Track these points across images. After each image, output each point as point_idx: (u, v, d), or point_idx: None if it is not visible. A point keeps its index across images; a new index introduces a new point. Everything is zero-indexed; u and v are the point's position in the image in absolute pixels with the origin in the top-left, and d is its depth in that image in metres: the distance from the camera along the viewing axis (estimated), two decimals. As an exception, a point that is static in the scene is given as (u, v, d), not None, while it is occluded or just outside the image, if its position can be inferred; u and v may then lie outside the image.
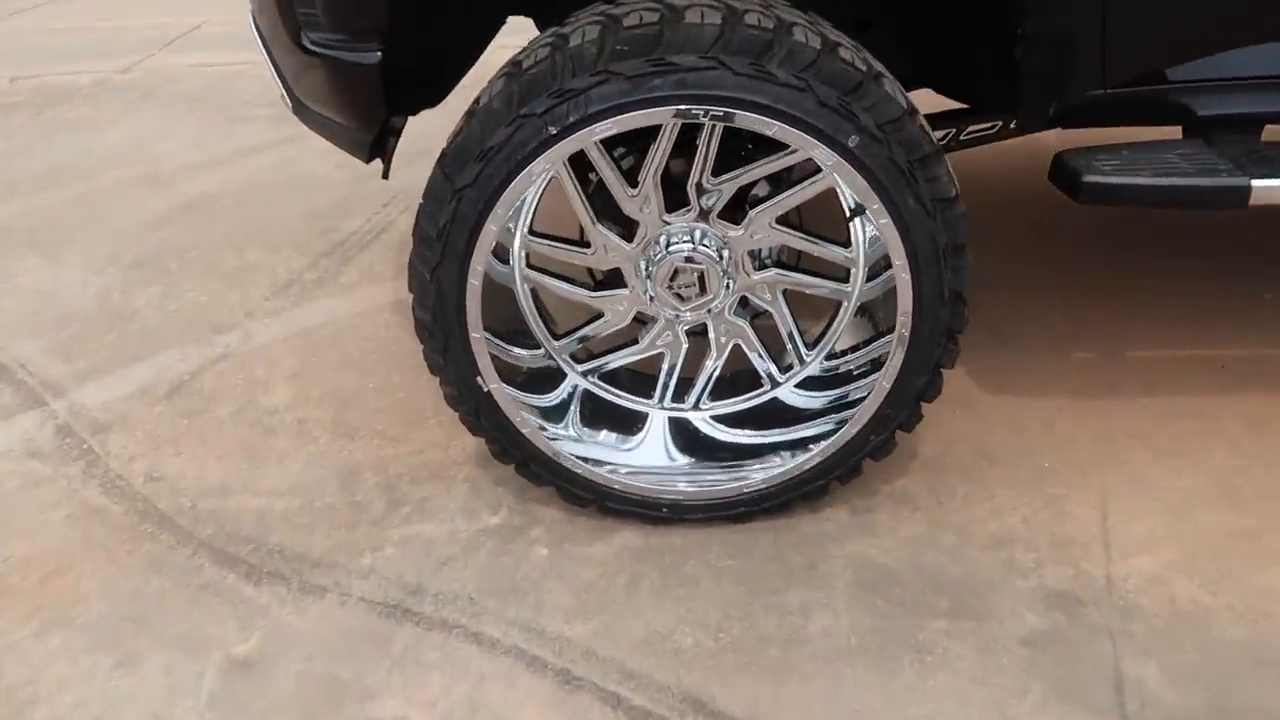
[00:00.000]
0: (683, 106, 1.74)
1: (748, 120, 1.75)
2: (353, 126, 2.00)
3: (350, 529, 2.26)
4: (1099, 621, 1.93)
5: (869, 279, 2.05)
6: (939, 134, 2.23)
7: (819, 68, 1.72)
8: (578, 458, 2.12)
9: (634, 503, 2.17)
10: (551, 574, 2.11)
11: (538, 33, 2.47)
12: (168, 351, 2.99)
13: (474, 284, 1.90)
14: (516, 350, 2.15)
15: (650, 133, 1.88)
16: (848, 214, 2.01)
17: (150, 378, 2.86)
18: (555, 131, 1.76)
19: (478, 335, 1.96)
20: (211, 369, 2.91)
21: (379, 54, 1.86)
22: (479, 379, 2.02)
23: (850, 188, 1.83)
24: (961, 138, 2.56)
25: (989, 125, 2.50)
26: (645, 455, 2.26)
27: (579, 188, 1.96)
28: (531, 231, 2.05)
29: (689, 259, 1.99)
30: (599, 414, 2.27)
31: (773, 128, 1.75)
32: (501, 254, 2.05)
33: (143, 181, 4.22)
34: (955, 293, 1.91)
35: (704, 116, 1.76)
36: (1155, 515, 2.17)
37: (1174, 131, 2.17)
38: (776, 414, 2.23)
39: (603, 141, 1.84)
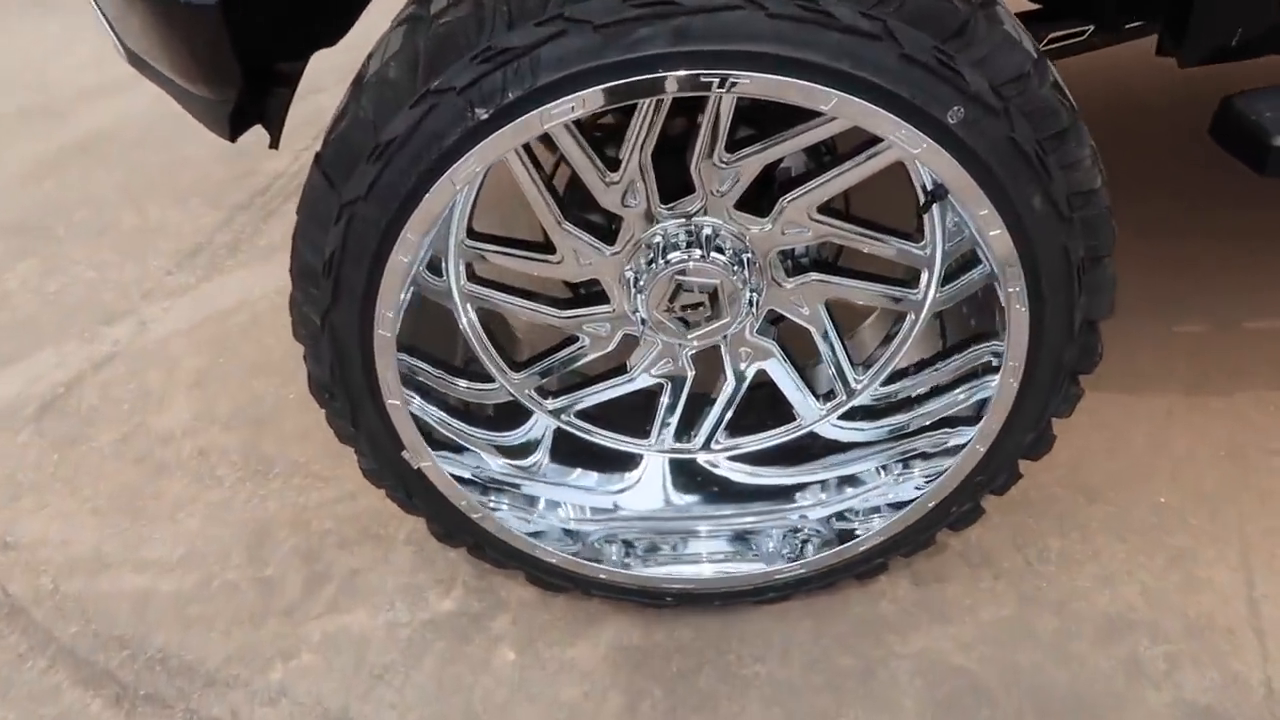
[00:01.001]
0: (687, 72, 1.11)
1: (787, 89, 1.12)
2: (199, 92, 1.36)
3: (257, 623, 1.73)
4: (1265, 758, 1.42)
5: (945, 281, 1.46)
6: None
7: (902, 0, 1.08)
8: (545, 545, 1.57)
9: (629, 591, 1.63)
10: (520, 691, 1.59)
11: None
12: (41, 352, 2.40)
13: (384, 336, 1.30)
14: (463, 384, 1.57)
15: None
16: (921, 199, 1.39)
17: (15, 392, 2.28)
18: (486, 116, 1.13)
19: (396, 402, 1.37)
20: (94, 376, 2.31)
21: (219, -10, 1.21)
22: (404, 455, 1.44)
23: (945, 180, 1.21)
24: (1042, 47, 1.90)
25: (1076, 32, 1.85)
26: (640, 500, 1.72)
27: (536, 173, 1.34)
28: (471, 234, 1.44)
29: (693, 272, 1.39)
30: (581, 450, 1.72)
31: (830, 100, 1.12)
32: (433, 262, 1.45)
33: (30, 115, 3.51)
34: (1088, 323, 1.31)
35: (721, 86, 1.12)
36: (1318, 580, 1.64)
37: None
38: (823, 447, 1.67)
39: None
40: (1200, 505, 1.78)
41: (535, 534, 1.58)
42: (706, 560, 1.68)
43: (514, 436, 1.66)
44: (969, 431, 1.43)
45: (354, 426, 1.41)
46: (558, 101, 1.12)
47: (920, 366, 1.58)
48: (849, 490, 1.64)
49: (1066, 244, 1.22)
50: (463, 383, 1.57)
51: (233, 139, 1.46)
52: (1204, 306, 2.18)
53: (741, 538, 1.70)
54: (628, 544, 1.69)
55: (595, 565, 1.59)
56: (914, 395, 1.59)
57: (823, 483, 1.68)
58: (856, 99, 1.11)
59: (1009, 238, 1.21)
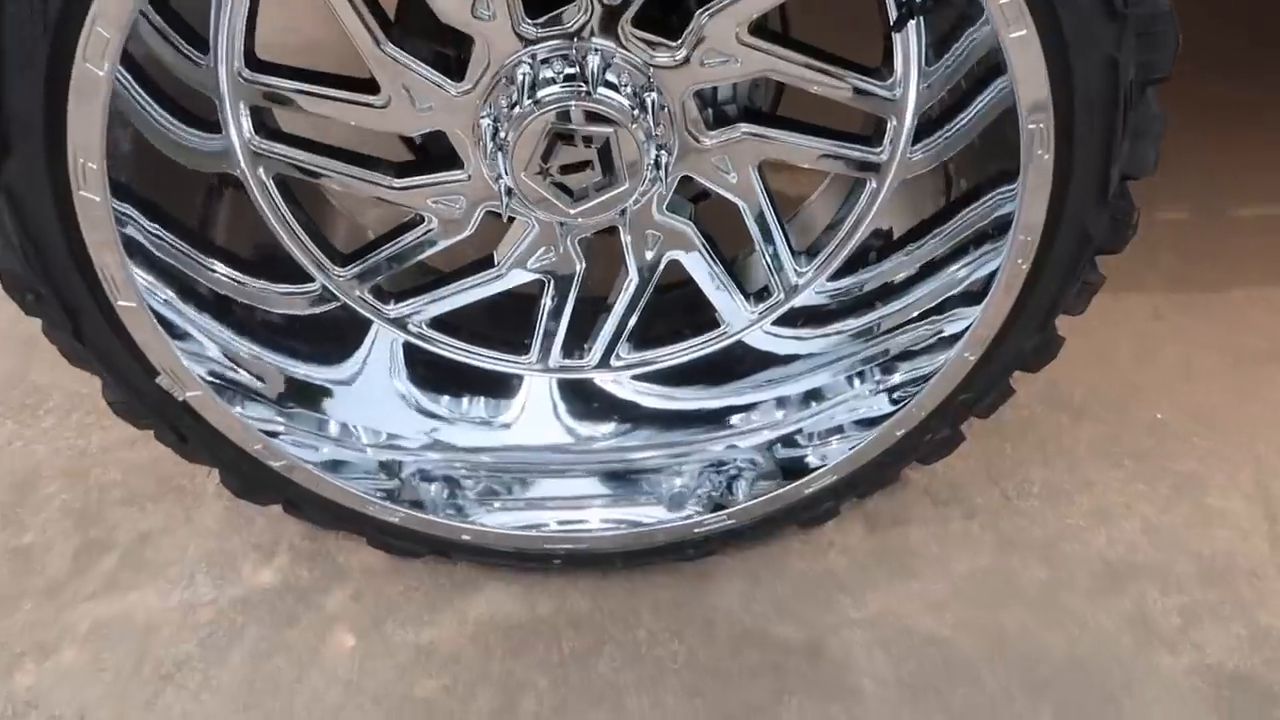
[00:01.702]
0: None
1: None
2: None
3: (6, 609, 1.29)
4: (1309, 737, 1.13)
5: (927, 131, 1.08)
6: None
7: None
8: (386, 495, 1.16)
9: (503, 555, 1.24)
10: (361, 692, 1.20)
11: None
12: None
13: (91, 199, 0.84)
14: (265, 285, 1.14)
15: None
16: (892, 12, 1.00)
17: None
18: None
19: (130, 304, 0.92)
20: None
21: None
22: (161, 382, 1.00)
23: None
24: None
25: None
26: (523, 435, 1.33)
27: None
28: (253, 64, 0.99)
29: (575, 117, 0.97)
30: (439, 373, 1.31)
31: None
32: (196, 112, 1.00)
33: None
34: (1125, 180, 0.94)
35: None
36: (1349, 507, 1.35)
37: None
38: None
39: None
40: (1203, 421, 1.47)
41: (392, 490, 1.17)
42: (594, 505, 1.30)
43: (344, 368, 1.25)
44: (958, 323, 1.05)
45: (79, 340, 0.96)
46: None
47: (902, 241, 1.19)
48: (806, 406, 1.27)
49: (1116, 55, 0.83)
50: (261, 282, 1.13)
51: None
52: (1188, 190, 1.85)
53: (624, 477, 1.32)
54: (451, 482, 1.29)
55: (456, 524, 1.19)
56: (889, 283, 1.21)
57: (761, 403, 1.31)
58: None
59: (1036, 40, 0.81)
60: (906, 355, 1.13)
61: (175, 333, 0.97)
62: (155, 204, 0.96)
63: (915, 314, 1.12)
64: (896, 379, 1.13)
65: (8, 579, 1.32)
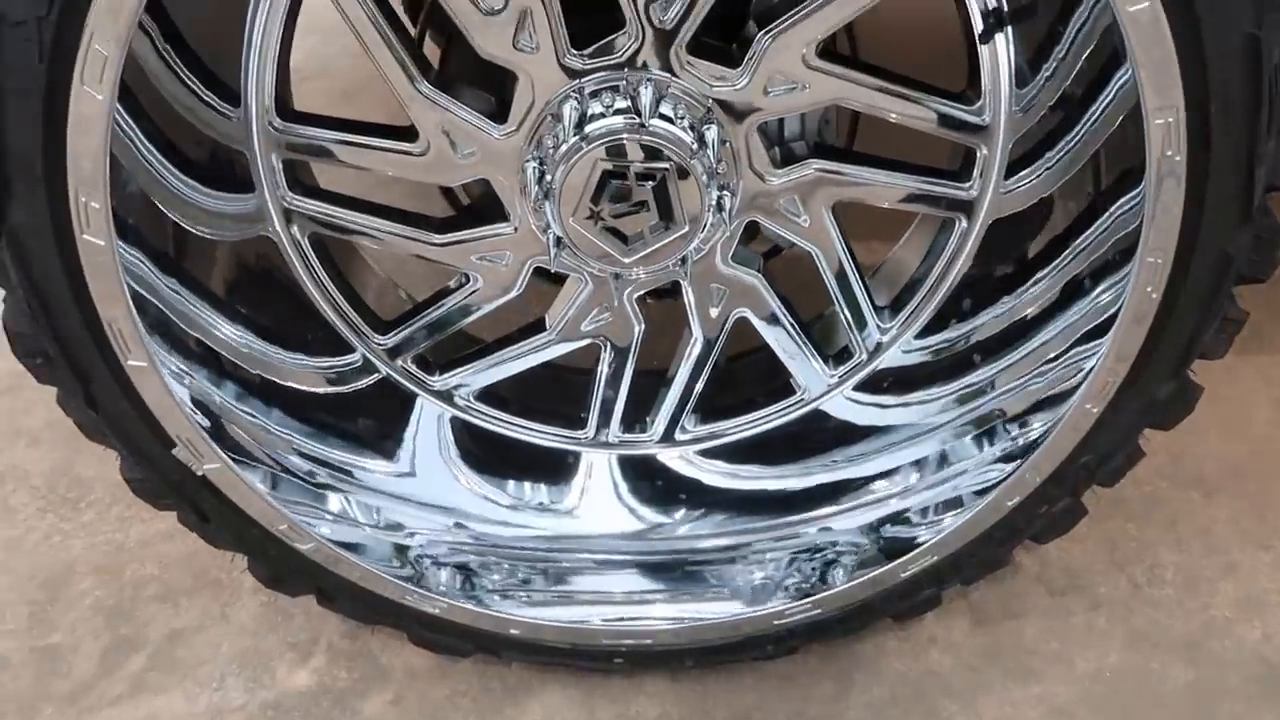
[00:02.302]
0: None
1: None
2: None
3: (28, 712, 1.19)
4: None
5: (1016, 169, 0.96)
6: None
7: None
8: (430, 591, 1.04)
9: (558, 653, 1.10)
10: (400, 812, 1.05)
11: None
12: None
13: (95, 244, 0.77)
14: (295, 358, 1.05)
15: None
16: (978, 24, 0.90)
17: None
18: None
19: (140, 363, 0.84)
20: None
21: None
22: (177, 453, 0.90)
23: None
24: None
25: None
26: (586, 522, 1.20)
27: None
28: (284, 112, 0.93)
29: (627, 150, 0.88)
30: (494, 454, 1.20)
31: None
32: (231, 170, 0.95)
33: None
34: (1272, 189, 0.80)
35: None
36: None
37: None
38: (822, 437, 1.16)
39: None
40: (1361, 494, 1.27)
41: (410, 576, 1.04)
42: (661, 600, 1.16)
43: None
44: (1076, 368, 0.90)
45: (91, 408, 0.88)
46: None
47: (979, 302, 1.06)
48: (920, 477, 1.11)
49: (1257, 33, 0.70)
50: (292, 355, 1.05)
51: None
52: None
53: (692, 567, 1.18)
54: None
55: (505, 616, 1.06)
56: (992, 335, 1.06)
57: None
58: None
59: (1163, 18, 0.69)
60: (1026, 414, 0.98)
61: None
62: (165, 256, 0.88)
63: (1031, 367, 0.97)
64: (1022, 440, 0.97)
65: (30, 682, 1.23)
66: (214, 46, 0.88)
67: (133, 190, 0.81)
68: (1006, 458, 0.96)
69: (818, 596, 1.04)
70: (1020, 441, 0.96)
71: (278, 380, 1.02)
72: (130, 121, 0.81)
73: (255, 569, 1.06)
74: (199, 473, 0.91)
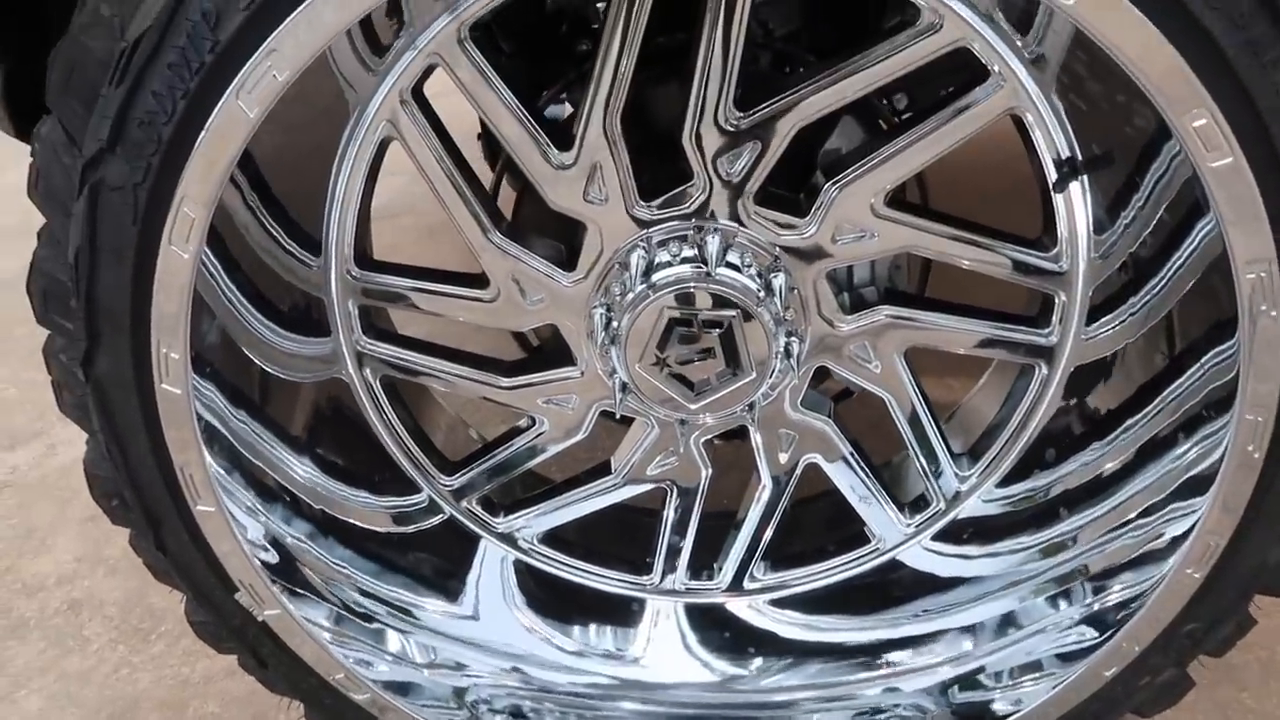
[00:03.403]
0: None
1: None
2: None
3: None
4: None
5: (1098, 314, 0.93)
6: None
7: None
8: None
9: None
10: None
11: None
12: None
13: (172, 392, 0.79)
14: (364, 497, 1.05)
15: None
16: (1051, 172, 0.88)
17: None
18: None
19: (209, 508, 0.85)
20: (-25, 510, 1.86)
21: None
22: (239, 598, 0.90)
23: (1110, 41, 0.68)
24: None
25: None
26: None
27: (442, 151, 0.88)
28: (361, 262, 0.96)
29: (694, 299, 0.88)
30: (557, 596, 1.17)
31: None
32: (305, 313, 0.97)
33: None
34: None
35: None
36: None
37: None
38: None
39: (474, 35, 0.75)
40: None
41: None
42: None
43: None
44: (1172, 526, 0.84)
45: (161, 550, 0.88)
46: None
47: (1067, 450, 1.02)
48: (994, 637, 1.04)
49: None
50: (364, 495, 1.05)
51: (21, 133, 0.99)
52: None
53: None
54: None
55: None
56: (1078, 486, 1.01)
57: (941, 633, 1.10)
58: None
59: (1246, 169, 0.67)
60: (1109, 573, 0.91)
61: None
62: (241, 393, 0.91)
63: (1116, 523, 0.91)
64: (1104, 602, 0.91)
65: (84, 824, 1.21)
66: (299, 198, 0.92)
67: (213, 341, 0.84)
68: (1090, 620, 0.90)
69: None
70: (1103, 605, 0.89)
71: (345, 518, 1.02)
72: (218, 268, 0.84)
73: (311, 716, 1.04)
74: (259, 618, 0.90)
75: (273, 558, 0.91)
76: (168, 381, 0.77)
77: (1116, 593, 0.89)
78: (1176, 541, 0.83)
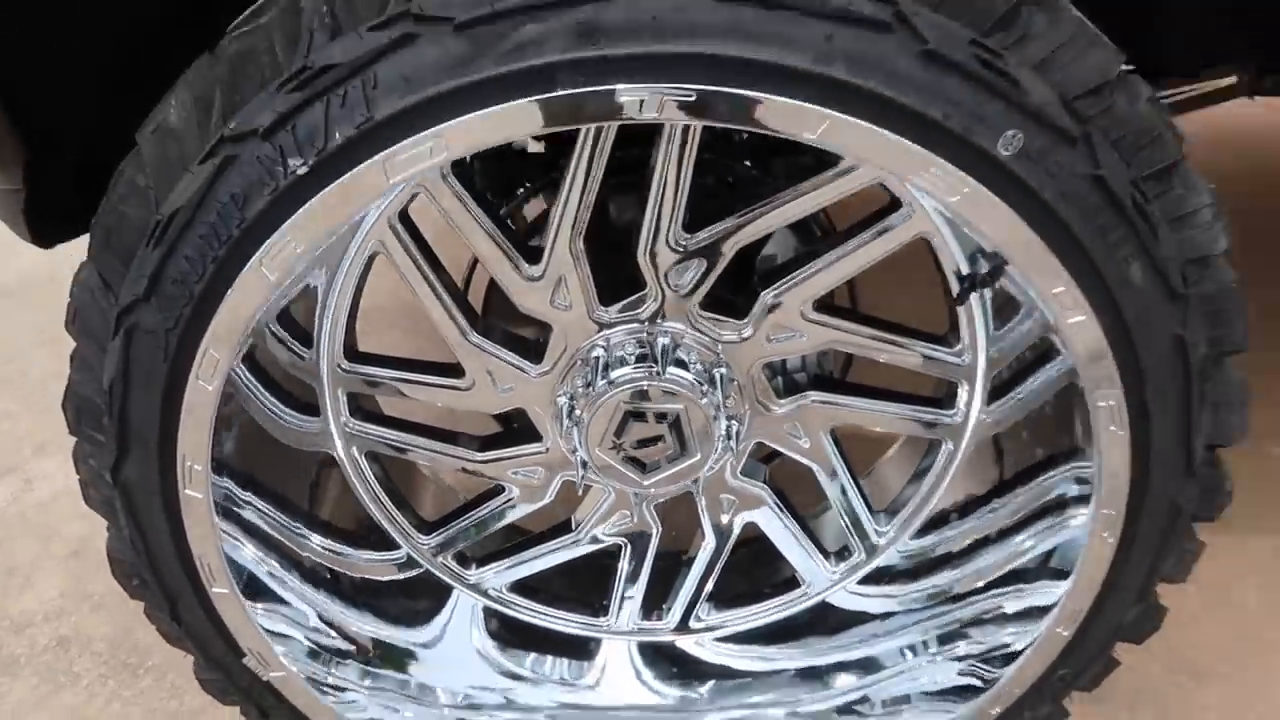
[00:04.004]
0: (606, 87, 0.74)
1: (768, 113, 0.75)
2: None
3: None
4: None
5: (995, 395, 1.07)
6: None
7: (921, -27, 0.73)
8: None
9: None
10: None
11: None
12: (-99, 515, 2.02)
13: (194, 497, 0.91)
14: (357, 554, 1.17)
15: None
16: (954, 286, 1.03)
17: None
18: (304, 168, 0.77)
19: (223, 590, 0.97)
20: (-46, 546, 1.92)
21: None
22: (247, 662, 1.02)
23: (995, 242, 0.83)
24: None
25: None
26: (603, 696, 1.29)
27: (422, 258, 0.99)
28: (351, 355, 1.07)
29: (647, 396, 1.01)
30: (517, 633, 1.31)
31: (819, 123, 0.75)
32: (300, 401, 1.08)
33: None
34: (1210, 449, 0.91)
35: (659, 109, 0.76)
36: None
37: None
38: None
39: (459, 166, 0.86)
40: (1347, 684, 1.34)
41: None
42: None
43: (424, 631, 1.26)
44: (1042, 595, 1.00)
45: (176, 622, 1.00)
46: (406, 143, 0.76)
47: (967, 508, 1.17)
48: (864, 676, 1.21)
49: (1181, 333, 0.83)
50: (354, 551, 1.17)
51: (39, 242, 1.10)
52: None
53: None
54: None
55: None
56: (958, 548, 1.18)
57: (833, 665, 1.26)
58: (858, 121, 0.74)
59: (1097, 326, 0.82)
60: (977, 624, 1.08)
61: (275, 598, 1.01)
62: (262, 484, 1.02)
63: (981, 584, 1.08)
64: (969, 650, 1.07)
65: None
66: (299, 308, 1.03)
67: (230, 449, 0.95)
68: (986, 661, 1.06)
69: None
70: (994, 652, 1.06)
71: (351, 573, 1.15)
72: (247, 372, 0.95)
73: (306, 759, 1.16)
74: (264, 678, 1.02)
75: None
76: (190, 488, 0.88)
77: (1006, 641, 1.05)
78: (1048, 609, 0.99)
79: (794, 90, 0.72)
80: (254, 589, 0.99)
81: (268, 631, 0.99)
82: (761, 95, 0.72)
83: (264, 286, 0.81)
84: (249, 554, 0.99)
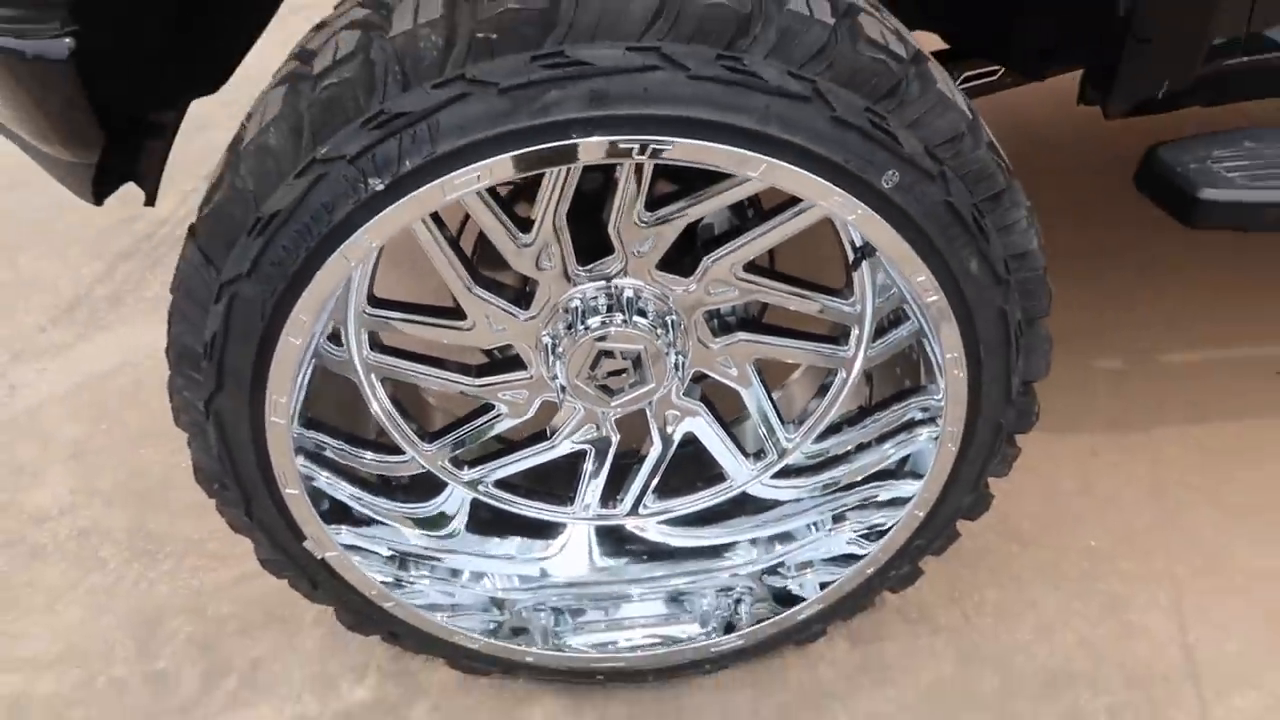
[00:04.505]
0: (603, 138, 1.02)
1: (711, 155, 1.05)
2: (55, 153, 1.22)
3: (147, 726, 1.57)
4: (1211, 815, 1.40)
5: (875, 336, 1.41)
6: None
7: (832, 58, 1.02)
8: (469, 631, 1.46)
9: (557, 673, 1.53)
10: (443, 788, 1.47)
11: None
12: (-103, 423, 2.18)
13: (278, 424, 1.18)
14: (371, 455, 1.45)
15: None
16: (850, 256, 1.34)
17: None
18: (381, 187, 1.03)
19: (294, 491, 1.25)
20: (-43, 450, 2.11)
21: (69, 41, 1.08)
22: (306, 545, 1.31)
23: (878, 244, 1.15)
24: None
25: (991, 72, 1.85)
26: (566, 567, 1.63)
27: (441, 234, 1.25)
28: (373, 301, 1.33)
29: (615, 339, 1.31)
30: (497, 521, 1.62)
31: (758, 166, 1.05)
32: (333, 334, 1.34)
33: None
34: (1025, 384, 1.27)
35: (642, 153, 1.04)
36: (1247, 621, 1.64)
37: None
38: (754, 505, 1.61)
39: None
40: (1129, 547, 1.77)
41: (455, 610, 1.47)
42: (640, 625, 1.60)
43: (429, 508, 1.56)
44: (904, 488, 1.37)
45: (248, 517, 1.28)
46: (461, 171, 1.02)
47: (849, 422, 1.52)
48: (780, 547, 1.58)
49: (1004, 307, 1.17)
50: (371, 455, 1.45)
51: (98, 202, 1.32)
52: (1122, 341, 2.19)
53: (676, 599, 1.63)
54: (558, 611, 1.59)
55: (521, 648, 1.49)
56: (844, 451, 1.54)
57: (754, 540, 1.62)
58: (787, 165, 1.04)
59: (946, 303, 1.16)
60: (859, 508, 1.45)
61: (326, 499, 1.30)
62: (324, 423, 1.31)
63: (860, 478, 1.45)
64: (853, 528, 1.44)
65: (150, 700, 1.61)
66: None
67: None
68: (864, 537, 1.43)
69: (740, 631, 1.50)
70: (870, 529, 1.43)
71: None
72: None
73: (342, 616, 1.47)
74: (319, 557, 1.31)
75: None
76: (275, 415, 1.14)
77: (879, 522, 1.42)
78: (909, 499, 1.35)
79: (743, 143, 1.01)
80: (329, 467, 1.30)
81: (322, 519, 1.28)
82: (718, 145, 1.01)
83: (344, 269, 1.07)
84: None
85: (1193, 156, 1.30)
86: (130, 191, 2.73)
